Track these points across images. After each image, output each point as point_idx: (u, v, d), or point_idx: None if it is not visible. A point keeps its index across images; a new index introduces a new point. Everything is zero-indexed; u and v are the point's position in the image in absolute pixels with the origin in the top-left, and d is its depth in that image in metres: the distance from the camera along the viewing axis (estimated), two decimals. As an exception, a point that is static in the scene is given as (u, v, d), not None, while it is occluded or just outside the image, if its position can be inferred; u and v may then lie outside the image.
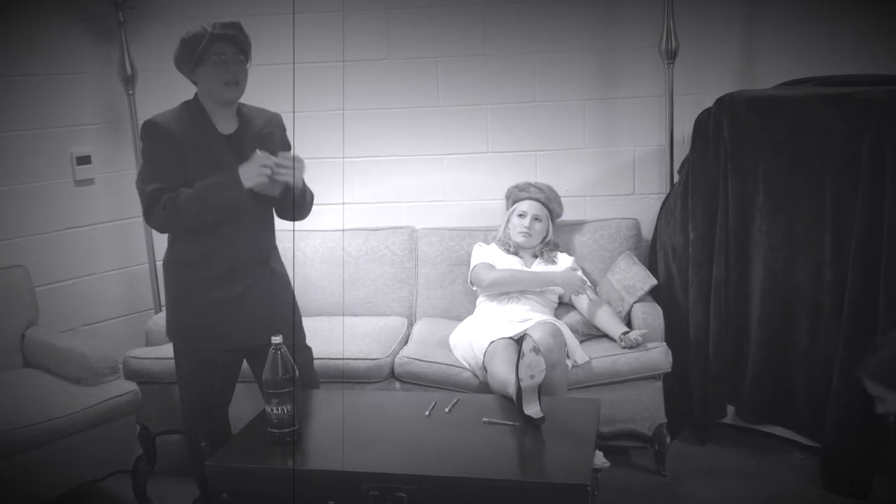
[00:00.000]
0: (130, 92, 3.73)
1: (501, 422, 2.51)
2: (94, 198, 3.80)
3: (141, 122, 2.64)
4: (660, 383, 3.16)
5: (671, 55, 3.44)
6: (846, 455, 2.98)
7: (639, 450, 3.26)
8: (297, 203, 2.68)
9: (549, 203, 3.54)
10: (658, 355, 3.13)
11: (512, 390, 2.60)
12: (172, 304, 2.74)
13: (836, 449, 3.01)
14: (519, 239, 3.48)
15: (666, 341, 3.22)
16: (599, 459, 2.43)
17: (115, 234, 3.86)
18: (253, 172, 2.51)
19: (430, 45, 3.78)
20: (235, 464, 2.39)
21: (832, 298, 3.01)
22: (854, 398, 2.93)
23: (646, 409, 3.13)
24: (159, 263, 3.82)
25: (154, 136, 2.56)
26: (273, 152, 2.59)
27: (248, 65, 2.62)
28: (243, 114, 2.68)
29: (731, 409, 3.40)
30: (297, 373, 2.40)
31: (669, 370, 3.14)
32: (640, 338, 3.14)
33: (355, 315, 3.71)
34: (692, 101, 3.46)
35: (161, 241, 3.78)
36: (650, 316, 3.26)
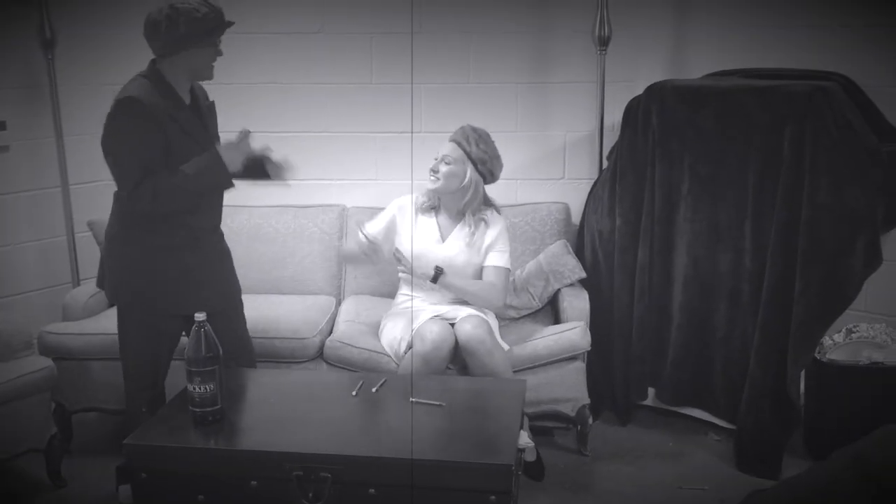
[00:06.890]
0: (49, 56, 3.58)
1: (428, 402, 2.52)
2: (9, 165, 3.64)
3: (117, 99, 2.51)
4: (582, 364, 3.22)
5: (604, 42, 3.48)
6: (758, 436, 3.09)
7: (562, 430, 3.32)
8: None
9: (466, 144, 3.02)
10: (576, 336, 3.16)
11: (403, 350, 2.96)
12: (126, 269, 2.70)
13: (749, 431, 3.12)
14: (428, 185, 3.10)
15: (591, 324, 3.27)
16: (523, 439, 2.47)
17: (31, 205, 3.71)
18: (237, 159, 2.60)
19: (364, 20, 3.73)
20: (155, 443, 2.34)
21: (750, 285, 3.11)
22: (767, 382, 3.05)
23: (569, 390, 3.18)
24: (79, 236, 3.74)
25: (136, 111, 2.49)
26: (216, 122, 2.78)
27: None
28: (192, 86, 2.72)
29: (651, 392, 3.48)
30: (220, 351, 2.36)
31: (589, 349, 3.20)
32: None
33: (283, 293, 3.67)
34: (623, 88, 3.50)
35: (81, 213, 3.70)
36: (576, 299, 3.31)
